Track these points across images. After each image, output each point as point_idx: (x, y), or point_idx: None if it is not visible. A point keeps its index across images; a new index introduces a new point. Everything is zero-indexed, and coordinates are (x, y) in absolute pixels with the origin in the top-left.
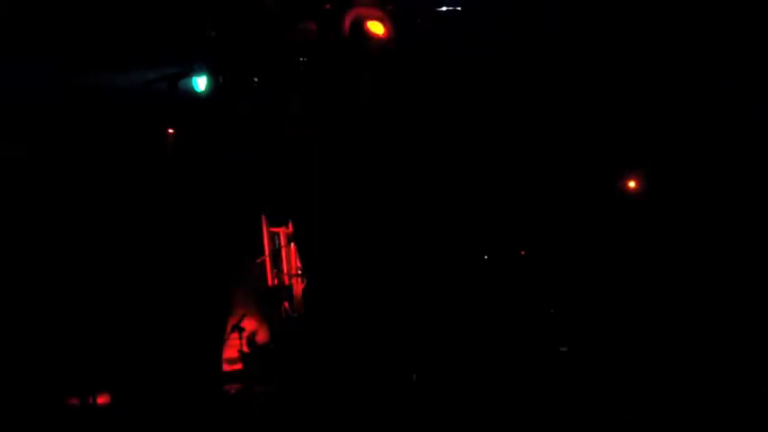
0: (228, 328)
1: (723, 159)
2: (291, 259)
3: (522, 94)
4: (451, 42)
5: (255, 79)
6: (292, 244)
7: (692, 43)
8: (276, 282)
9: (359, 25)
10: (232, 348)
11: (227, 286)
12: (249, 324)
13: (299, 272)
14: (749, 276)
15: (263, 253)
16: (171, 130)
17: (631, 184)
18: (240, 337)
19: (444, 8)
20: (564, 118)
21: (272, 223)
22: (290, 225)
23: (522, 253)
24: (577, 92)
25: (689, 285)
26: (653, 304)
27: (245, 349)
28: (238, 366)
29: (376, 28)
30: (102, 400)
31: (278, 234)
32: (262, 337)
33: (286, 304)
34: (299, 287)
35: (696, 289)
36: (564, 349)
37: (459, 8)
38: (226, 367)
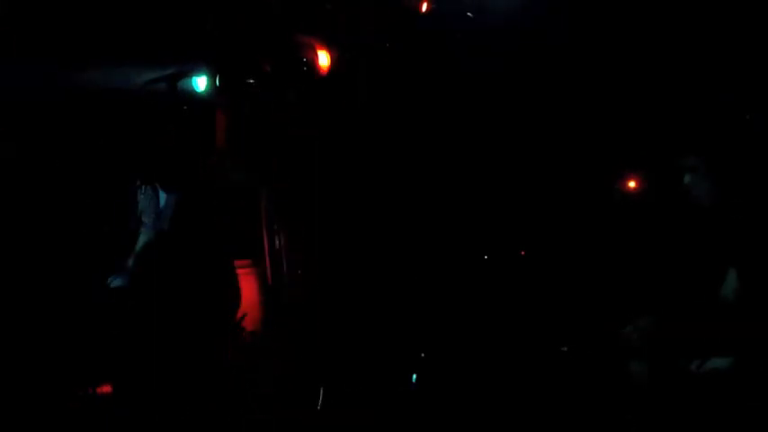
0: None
1: (726, 171)
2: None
3: (524, 96)
4: (452, 42)
5: (252, 81)
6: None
7: (695, 56)
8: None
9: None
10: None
11: (233, 286)
12: (249, 324)
13: (300, 271)
14: (748, 283)
15: (262, 253)
16: (170, 131)
17: (632, 184)
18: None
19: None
20: (567, 123)
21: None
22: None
23: (522, 253)
24: (580, 100)
25: (688, 287)
26: (653, 305)
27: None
28: None
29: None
30: (105, 390)
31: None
32: (261, 336)
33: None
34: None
35: (695, 291)
36: (564, 349)
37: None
38: None
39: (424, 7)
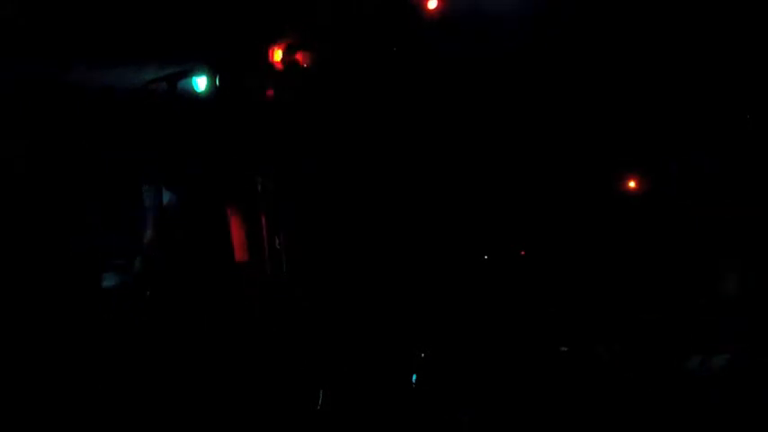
0: None
1: (723, 166)
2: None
3: (523, 93)
4: (451, 41)
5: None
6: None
7: (694, 52)
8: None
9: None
10: None
11: (234, 284)
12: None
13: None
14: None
15: (263, 253)
16: (171, 131)
17: (632, 184)
18: None
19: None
20: (565, 119)
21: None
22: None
23: (522, 253)
24: (579, 93)
25: (687, 286)
26: (652, 304)
27: None
28: None
29: None
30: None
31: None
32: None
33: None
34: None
35: (693, 290)
36: (564, 349)
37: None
38: None
39: (432, 4)
